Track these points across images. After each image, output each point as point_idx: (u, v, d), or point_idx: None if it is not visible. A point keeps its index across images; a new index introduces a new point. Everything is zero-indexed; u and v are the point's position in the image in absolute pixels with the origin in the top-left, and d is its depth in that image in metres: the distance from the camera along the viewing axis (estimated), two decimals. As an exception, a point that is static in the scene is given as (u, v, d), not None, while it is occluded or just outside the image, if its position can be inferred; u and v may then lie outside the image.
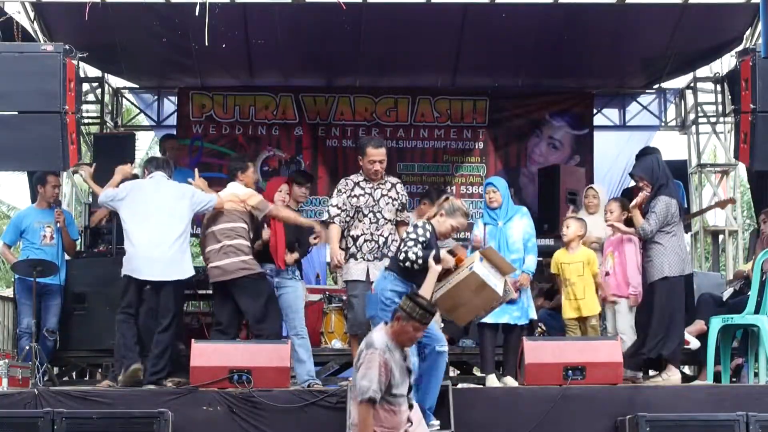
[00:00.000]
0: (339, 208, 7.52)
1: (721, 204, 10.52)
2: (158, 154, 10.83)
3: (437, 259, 6.41)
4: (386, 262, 7.14)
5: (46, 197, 8.99)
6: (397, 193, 7.61)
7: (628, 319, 7.94)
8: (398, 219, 7.63)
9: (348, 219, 7.51)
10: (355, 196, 7.51)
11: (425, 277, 6.35)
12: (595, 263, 8.09)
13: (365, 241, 7.46)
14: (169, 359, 7.57)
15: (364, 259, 7.44)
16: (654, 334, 7.59)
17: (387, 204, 7.53)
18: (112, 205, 7.83)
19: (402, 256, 6.46)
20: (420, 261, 6.38)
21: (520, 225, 7.81)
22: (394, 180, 7.70)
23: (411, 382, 5.84)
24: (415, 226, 6.58)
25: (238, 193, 7.83)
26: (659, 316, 7.60)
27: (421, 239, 6.47)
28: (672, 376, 7.64)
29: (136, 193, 7.74)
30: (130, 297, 7.66)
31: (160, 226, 7.58)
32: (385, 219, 7.52)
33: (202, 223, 7.93)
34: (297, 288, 8.30)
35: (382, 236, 7.49)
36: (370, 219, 7.48)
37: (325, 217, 7.60)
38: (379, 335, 5.71)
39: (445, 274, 6.54)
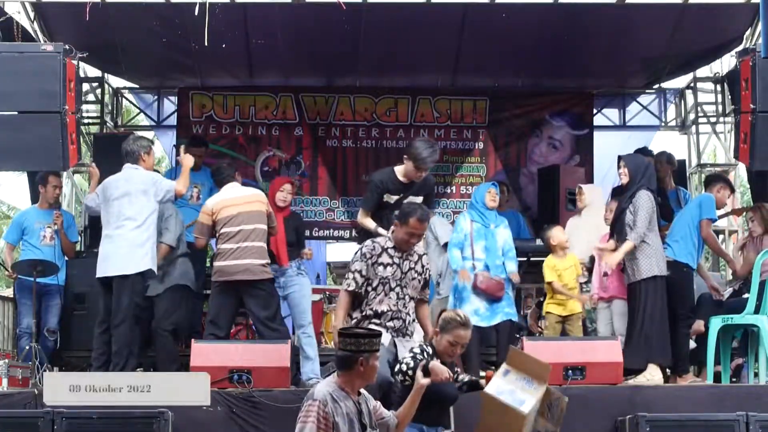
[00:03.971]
0: (363, 276, 6.36)
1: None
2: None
3: (426, 371, 5.41)
4: (411, 340, 6.42)
5: (47, 198, 9.01)
6: (423, 267, 6.53)
7: (623, 319, 7.95)
8: (419, 297, 6.59)
9: (369, 289, 6.40)
10: (381, 264, 6.39)
11: None
12: (579, 266, 8.36)
13: (392, 318, 6.39)
14: (128, 357, 7.46)
15: (389, 332, 6.35)
16: (637, 342, 7.54)
17: (413, 279, 6.47)
18: (98, 211, 7.86)
19: (396, 368, 5.67)
20: (410, 372, 5.53)
21: (504, 234, 8.17)
22: (420, 251, 6.61)
23: None
24: (412, 349, 5.83)
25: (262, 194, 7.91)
26: (645, 320, 7.55)
27: (418, 357, 5.65)
28: (654, 376, 7.60)
29: (108, 191, 7.72)
30: (100, 307, 7.73)
31: (117, 220, 7.57)
32: (409, 297, 6.48)
33: (216, 221, 7.77)
34: (303, 285, 8.29)
35: (409, 315, 6.46)
36: (397, 294, 6.39)
37: (352, 287, 6.34)
38: (323, 385, 5.03)
39: None
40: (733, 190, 8.85)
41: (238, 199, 7.78)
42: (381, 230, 7.09)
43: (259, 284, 7.62)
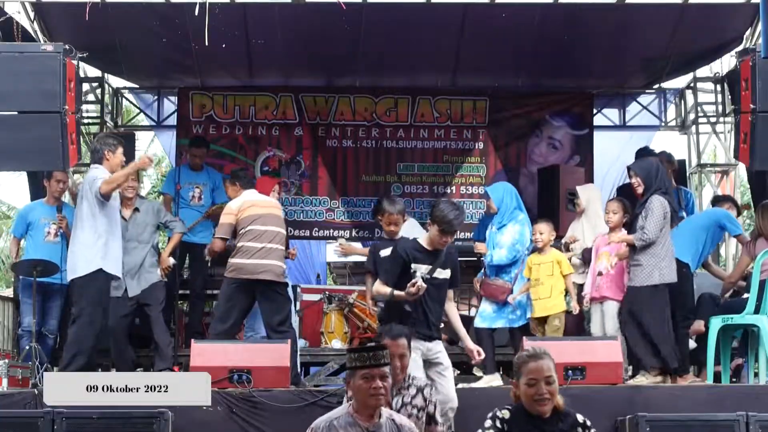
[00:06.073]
0: None
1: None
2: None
3: None
4: None
5: (52, 192, 9.02)
6: (424, 399, 5.87)
7: (615, 321, 7.90)
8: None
9: None
10: None
11: None
12: (565, 264, 8.15)
13: None
14: (75, 354, 7.47)
15: None
16: (645, 350, 7.51)
17: (410, 416, 5.74)
18: None
19: None
20: None
21: (511, 231, 8.10)
22: (421, 382, 6.00)
23: None
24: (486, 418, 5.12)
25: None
26: (648, 328, 7.50)
27: None
28: (655, 376, 7.59)
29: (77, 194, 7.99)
30: None
31: (77, 222, 7.77)
32: None
33: (240, 220, 7.86)
34: None
35: None
36: None
37: None
38: (332, 411, 4.83)
39: None
40: (740, 212, 8.97)
41: (262, 202, 7.92)
42: (397, 292, 6.56)
43: (278, 287, 7.70)
